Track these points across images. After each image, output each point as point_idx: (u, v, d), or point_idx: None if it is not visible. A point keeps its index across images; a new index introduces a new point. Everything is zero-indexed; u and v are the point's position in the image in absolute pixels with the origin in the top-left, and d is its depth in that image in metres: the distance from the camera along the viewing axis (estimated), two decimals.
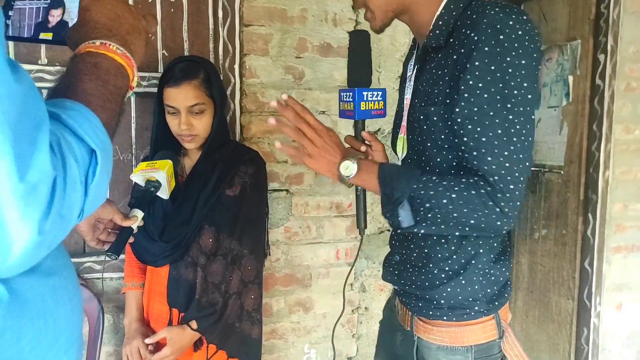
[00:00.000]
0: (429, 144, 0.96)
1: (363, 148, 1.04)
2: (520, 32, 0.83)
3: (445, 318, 1.00)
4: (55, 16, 0.72)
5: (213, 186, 1.38)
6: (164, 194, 1.11)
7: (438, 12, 0.94)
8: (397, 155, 1.09)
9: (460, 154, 0.90)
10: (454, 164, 0.93)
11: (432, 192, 0.87)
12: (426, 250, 1.00)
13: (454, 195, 0.86)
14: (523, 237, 2.59)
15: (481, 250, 0.97)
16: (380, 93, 1.03)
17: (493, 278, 0.98)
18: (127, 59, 0.63)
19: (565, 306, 2.31)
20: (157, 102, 1.39)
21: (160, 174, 1.08)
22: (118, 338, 1.66)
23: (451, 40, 0.91)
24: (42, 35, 0.71)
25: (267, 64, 1.75)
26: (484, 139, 0.85)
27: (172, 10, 1.64)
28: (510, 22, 0.84)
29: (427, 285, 1.00)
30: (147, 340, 1.34)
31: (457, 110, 0.87)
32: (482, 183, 0.85)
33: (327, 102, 1.84)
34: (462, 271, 0.97)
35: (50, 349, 0.56)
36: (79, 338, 0.64)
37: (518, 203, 0.85)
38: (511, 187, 0.84)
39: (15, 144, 0.42)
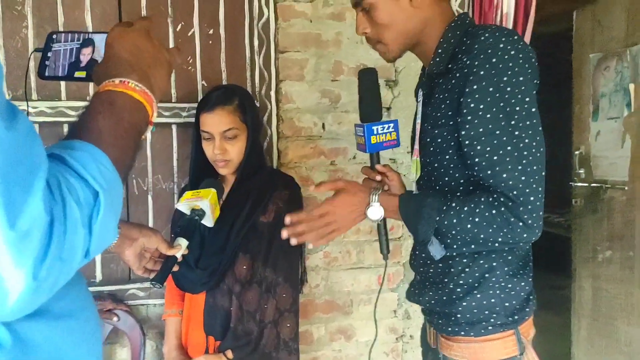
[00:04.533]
0: (436, 165, 1.01)
1: (378, 177, 1.10)
2: (512, 52, 0.88)
3: (463, 333, 1.01)
4: (86, 55, 0.76)
5: (247, 213, 1.39)
6: (208, 222, 1.12)
7: (438, 41, 1.00)
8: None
9: (471, 172, 0.94)
10: (462, 181, 0.98)
11: (455, 220, 0.92)
12: (441, 266, 1.02)
13: (477, 219, 0.90)
14: (584, 260, 2.40)
15: (495, 264, 0.98)
16: (392, 125, 1.07)
17: (512, 292, 0.98)
18: (146, 95, 0.64)
19: (636, 336, 2.10)
20: (195, 129, 1.42)
21: (204, 203, 1.10)
22: None
23: (450, 65, 0.96)
24: (77, 74, 0.75)
25: (303, 88, 1.75)
26: (495, 158, 0.89)
27: (210, 42, 1.69)
28: (501, 45, 0.88)
29: (445, 300, 1.02)
30: None
31: (464, 133, 0.91)
32: (502, 199, 0.89)
33: None
34: (476, 285, 0.98)
35: None
36: None
37: (540, 213, 0.88)
38: (531, 198, 0.87)
39: (5, 192, 0.42)
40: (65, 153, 0.53)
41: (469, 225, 0.90)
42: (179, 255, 1.04)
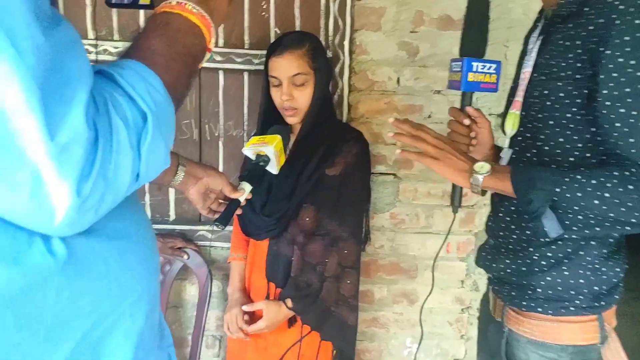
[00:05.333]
0: (550, 122, 0.87)
1: (467, 121, 1.01)
2: None
3: (540, 310, 0.93)
4: None
5: (316, 164, 1.36)
6: (272, 168, 1.12)
7: None
8: (503, 132, 1.00)
9: (604, 139, 0.81)
10: (579, 145, 0.84)
11: (579, 194, 0.79)
12: (528, 233, 0.93)
13: (606, 195, 0.77)
14: None
15: (592, 242, 0.89)
16: (494, 66, 0.98)
17: (604, 276, 0.90)
18: (204, 19, 0.61)
19: None
20: (264, 76, 1.40)
21: (269, 149, 1.09)
22: (226, 304, 1.75)
23: (586, 9, 0.80)
24: (141, 1, 0.74)
25: (380, 39, 1.65)
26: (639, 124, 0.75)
27: None
28: None
29: (523, 271, 0.94)
30: (244, 307, 1.38)
31: (604, 92, 0.76)
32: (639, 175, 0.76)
33: (445, 80, 1.66)
34: (566, 260, 0.90)
35: (113, 311, 0.57)
36: (149, 302, 0.64)
37: None
38: None
39: (43, 102, 0.40)
40: (115, 70, 0.51)
41: (596, 201, 0.77)
42: (242, 199, 1.05)
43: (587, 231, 0.82)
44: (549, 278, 0.91)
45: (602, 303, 0.90)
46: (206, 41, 0.62)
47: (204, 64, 1.68)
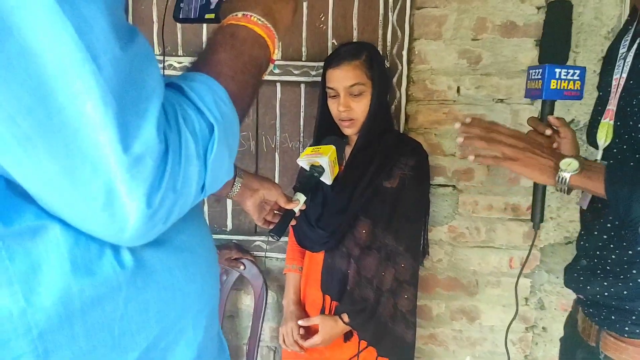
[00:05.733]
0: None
1: (548, 132, 0.93)
2: None
3: None
4: None
5: (371, 176, 1.33)
6: (326, 179, 1.12)
7: None
8: (596, 144, 0.92)
9: None
10: None
11: None
12: (630, 253, 0.85)
13: None
14: None
15: None
16: (578, 72, 0.93)
17: None
18: (269, 30, 0.61)
19: None
20: (322, 87, 1.40)
21: (323, 159, 1.09)
22: (281, 315, 1.75)
23: None
24: (207, 16, 0.76)
25: (439, 48, 1.61)
26: None
27: None
28: None
29: (625, 295, 0.86)
30: (300, 322, 1.37)
31: None
32: None
33: (508, 89, 1.61)
34: None
35: (178, 322, 0.57)
36: (209, 315, 0.65)
37: None
38: None
39: (119, 114, 0.41)
40: (184, 83, 0.52)
41: None
42: (296, 209, 1.05)
43: None
44: None
45: None
46: (270, 52, 0.62)
47: (266, 77, 1.72)
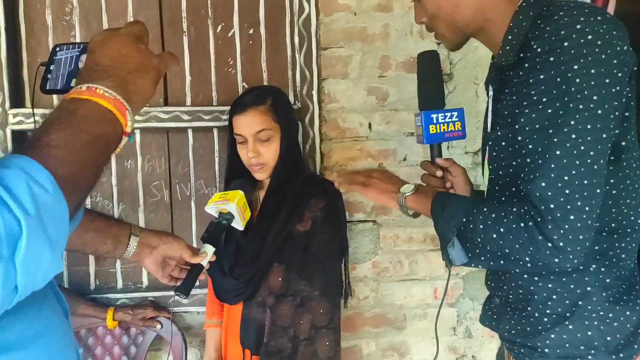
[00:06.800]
0: (500, 172, 0.85)
1: (439, 173, 1.01)
2: (590, 37, 0.71)
3: None
4: (83, 61, 0.71)
5: (283, 221, 1.30)
6: (238, 225, 1.08)
7: (508, 26, 0.84)
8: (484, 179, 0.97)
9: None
10: None
11: (481, 227, 0.80)
12: (521, 291, 0.88)
13: (502, 230, 0.77)
14: None
15: (589, 289, 0.81)
16: (455, 114, 0.98)
17: (615, 323, 0.81)
18: (118, 102, 0.57)
19: None
20: (229, 134, 1.37)
21: (230, 206, 1.05)
22: None
23: (521, 55, 0.80)
24: (73, 82, 0.70)
25: (348, 87, 1.64)
26: (540, 161, 0.74)
27: (250, 42, 1.64)
28: (578, 26, 0.72)
29: (528, 331, 0.87)
30: None
31: (517, 127, 0.77)
32: (532, 213, 0.74)
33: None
34: (567, 314, 0.82)
35: None
36: None
37: (581, 237, 0.72)
38: (571, 217, 0.71)
39: None
40: None
41: (494, 235, 0.78)
42: (204, 263, 0.99)
43: (493, 263, 0.82)
44: (553, 336, 0.83)
45: (621, 355, 0.81)
46: (122, 125, 0.58)
47: (176, 124, 1.65)
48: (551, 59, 0.73)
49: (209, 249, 1.00)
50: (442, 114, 0.97)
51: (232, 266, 1.32)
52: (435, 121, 0.96)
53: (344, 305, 1.47)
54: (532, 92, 0.75)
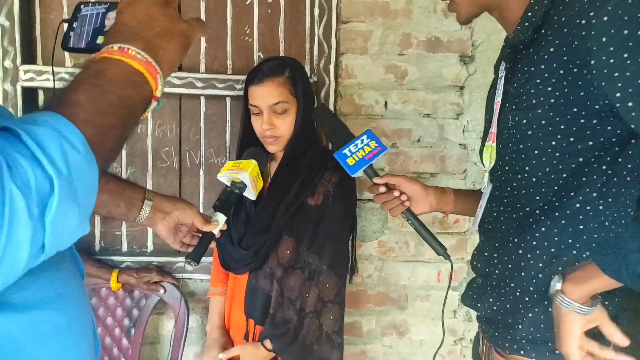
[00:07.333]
0: (536, 152, 0.81)
1: (382, 189, 1.04)
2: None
3: (522, 352, 0.85)
4: (110, 19, 0.68)
5: (295, 194, 1.29)
6: (250, 194, 1.07)
7: (528, 3, 0.82)
8: (483, 165, 0.96)
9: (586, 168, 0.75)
10: (564, 175, 0.78)
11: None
12: (510, 266, 0.87)
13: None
14: None
15: None
16: (364, 137, 1.02)
17: None
18: (149, 66, 0.55)
19: None
20: (244, 104, 1.35)
21: (243, 175, 1.03)
22: (205, 339, 1.67)
23: (542, 31, 0.77)
24: (99, 39, 0.67)
25: (366, 63, 1.61)
26: None
27: (269, 11, 1.60)
28: None
29: (508, 308, 0.88)
30: (220, 356, 1.30)
31: (618, 95, 0.67)
32: None
33: (434, 103, 1.63)
34: (549, 295, 0.80)
35: None
36: None
37: None
38: None
39: None
40: (23, 127, 0.44)
41: None
42: (216, 231, 0.99)
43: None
44: (530, 315, 0.83)
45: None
46: (152, 89, 0.56)
47: (189, 90, 1.61)
48: (605, 18, 0.66)
49: (221, 218, 1.00)
50: (353, 145, 1.01)
51: (242, 236, 1.32)
52: (349, 154, 1.01)
53: (349, 281, 1.47)
54: (604, 58, 0.67)
